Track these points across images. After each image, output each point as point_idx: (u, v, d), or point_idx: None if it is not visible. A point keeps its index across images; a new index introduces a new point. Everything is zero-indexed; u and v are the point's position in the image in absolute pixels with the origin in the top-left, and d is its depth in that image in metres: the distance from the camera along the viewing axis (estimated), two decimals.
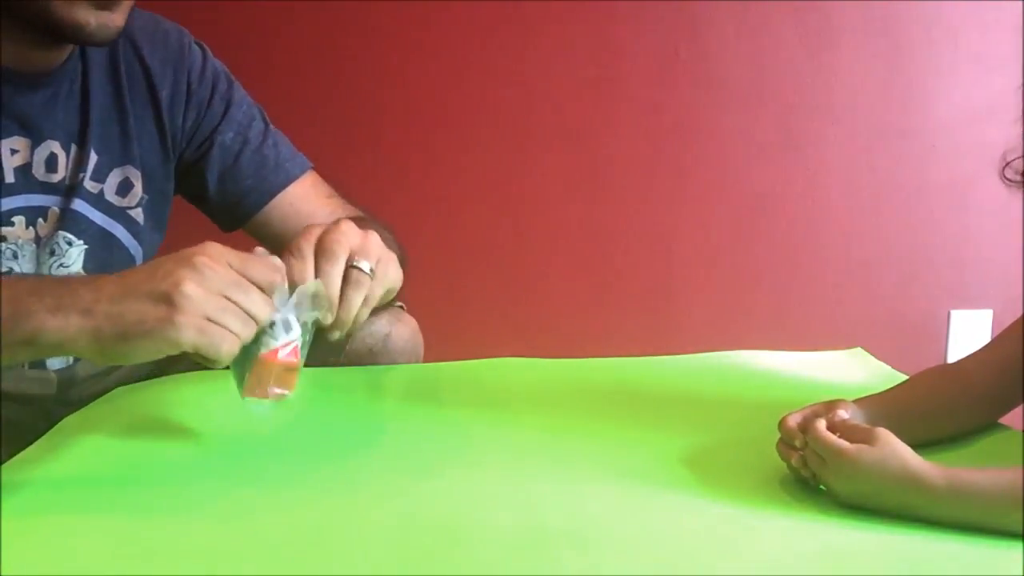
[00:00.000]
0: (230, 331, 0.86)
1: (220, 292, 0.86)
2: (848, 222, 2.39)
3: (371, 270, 0.99)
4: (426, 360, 1.36)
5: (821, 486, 0.86)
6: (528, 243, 2.32)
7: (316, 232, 0.98)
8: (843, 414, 0.89)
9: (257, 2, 2.17)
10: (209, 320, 0.85)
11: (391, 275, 1.05)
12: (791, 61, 2.31)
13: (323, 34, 2.20)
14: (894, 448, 0.81)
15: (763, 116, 2.32)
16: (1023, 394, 1.01)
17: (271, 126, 1.33)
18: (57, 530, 0.79)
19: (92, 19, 1.05)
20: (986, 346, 1.05)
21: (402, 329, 1.30)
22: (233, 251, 0.89)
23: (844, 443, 0.83)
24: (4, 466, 0.93)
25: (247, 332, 0.88)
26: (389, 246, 1.08)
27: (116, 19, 1.08)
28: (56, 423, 1.21)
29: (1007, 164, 0.99)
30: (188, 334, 0.85)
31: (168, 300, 0.85)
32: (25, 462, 0.95)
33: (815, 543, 0.78)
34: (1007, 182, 0.99)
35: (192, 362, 1.30)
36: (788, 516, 0.83)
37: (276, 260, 0.93)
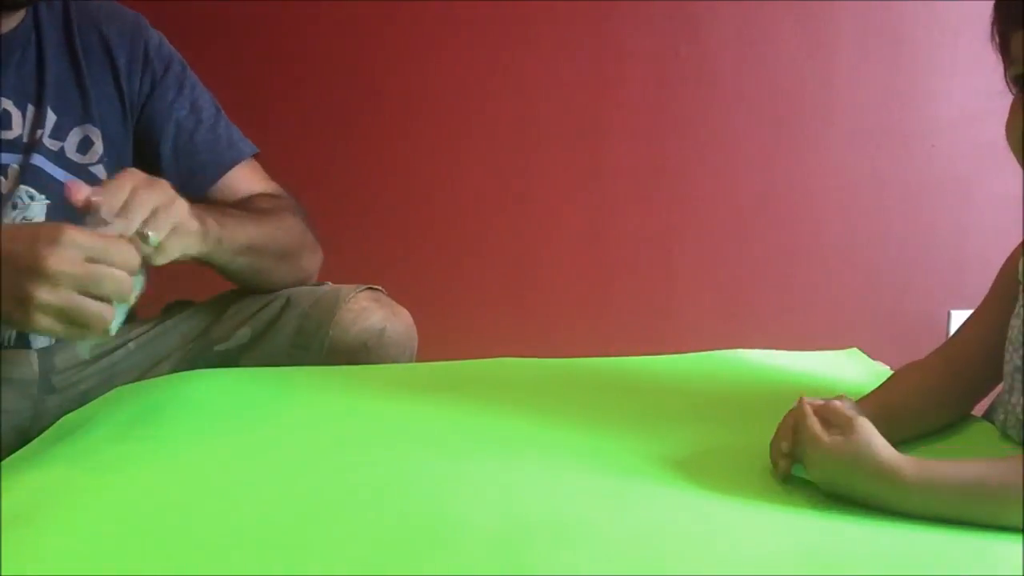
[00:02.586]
0: (92, 319, 0.93)
1: (74, 289, 0.91)
2: (848, 222, 2.39)
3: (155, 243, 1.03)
4: (425, 359, 1.36)
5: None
6: (528, 243, 2.32)
7: (135, 179, 1.03)
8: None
9: (262, 1, 2.17)
10: (68, 313, 0.92)
11: (173, 245, 1.07)
12: (791, 61, 2.31)
13: (326, 34, 2.21)
14: (868, 440, 0.82)
15: (763, 116, 2.32)
16: (988, 381, 1.04)
17: (221, 111, 1.39)
18: (57, 529, 0.79)
19: None
20: (950, 338, 1.06)
21: (397, 324, 1.32)
22: (86, 235, 0.93)
23: (821, 433, 0.84)
24: (4, 464, 0.93)
25: (108, 316, 0.94)
26: (298, 233, 1.31)
27: None
28: (43, 410, 1.21)
29: None
30: (46, 330, 0.94)
31: (24, 306, 0.92)
32: (25, 460, 0.95)
33: (803, 543, 0.78)
34: None
35: (189, 362, 1.32)
36: (777, 516, 0.83)
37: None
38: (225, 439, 1.00)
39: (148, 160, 1.33)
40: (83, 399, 1.19)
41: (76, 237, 0.92)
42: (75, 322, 0.92)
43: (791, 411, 0.91)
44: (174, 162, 1.33)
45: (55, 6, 1.27)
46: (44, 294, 0.90)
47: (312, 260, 1.38)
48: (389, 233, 2.25)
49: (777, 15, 2.28)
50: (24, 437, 1.09)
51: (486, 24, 2.23)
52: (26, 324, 0.93)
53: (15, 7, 1.20)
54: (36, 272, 0.90)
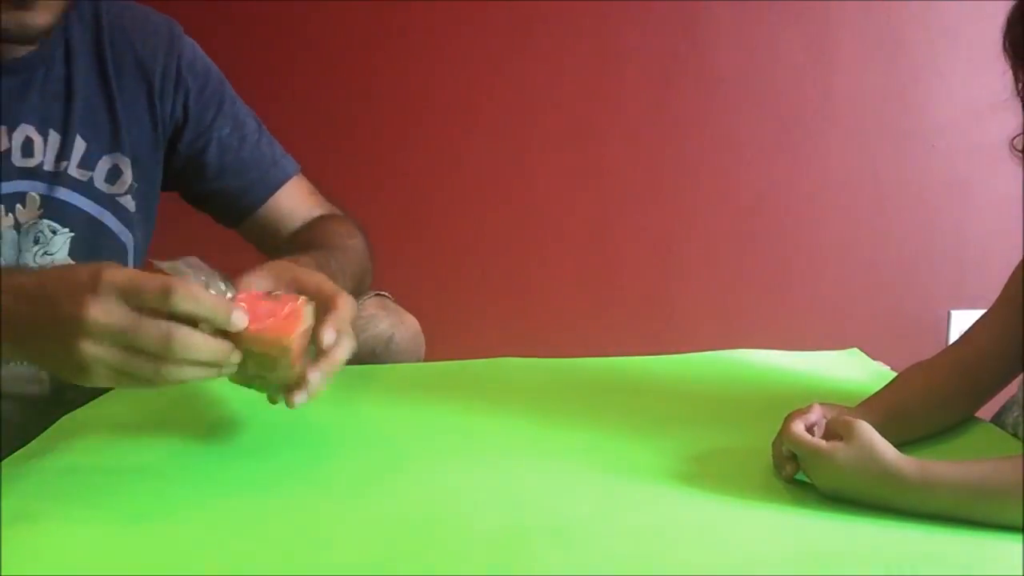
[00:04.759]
0: (141, 378, 0.83)
1: (121, 345, 0.81)
2: (848, 222, 2.39)
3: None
4: (426, 359, 1.36)
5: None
6: (528, 243, 2.32)
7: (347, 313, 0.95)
8: (812, 417, 0.90)
9: (263, 1, 2.17)
10: (119, 368, 0.82)
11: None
12: (791, 61, 2.31)
13: (326, 34, 2.21)
14: (870, 443, 0.82)
15: (763, 116, 2.32)
16: (996, 385, 1.03)
17: (262, 126, 1.35)
18: (56, 529, 0.79)
19: (11, 21, 1.06)
20: (959, 340, 1.06)
21: (404, 331, 1.31)
22: (129, 278, 0.82)
23: (819, 442, 0.84)
24: (4, 464, 0.93)
25: (166, 374, 0.83)
26: (362, 253, 1.24)
27: (36, 18, 1.07)
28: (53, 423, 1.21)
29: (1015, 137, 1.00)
30: (104, 383, 0.84)
31: (75, 364, 0.82)
32: (24, 460, 0.95)
33: (804, 542, 0.78)
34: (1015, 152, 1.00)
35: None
36: (778, 515, 0.83)
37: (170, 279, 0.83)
38: (226, 439, 1.00)
39: (194, 184, 1.30)
40: None
41: (115, 280, 0.81)
42: (132, 377, 0.82)
43: (788, 416, 0.91)
44: (221, 182, 1.29)
45: (86, 17, 1.21)
46: (89, 348, 0.81)
47: (371, 275, 1.34)
48: (390, 232, 2.25)
49: (777, 15, 2.28)
50: None
51: (486, 25, 2.23)
52: (82, 380, 0.83)
53: (28, 42, 1.12)
54: (77, 324, 0.80)
